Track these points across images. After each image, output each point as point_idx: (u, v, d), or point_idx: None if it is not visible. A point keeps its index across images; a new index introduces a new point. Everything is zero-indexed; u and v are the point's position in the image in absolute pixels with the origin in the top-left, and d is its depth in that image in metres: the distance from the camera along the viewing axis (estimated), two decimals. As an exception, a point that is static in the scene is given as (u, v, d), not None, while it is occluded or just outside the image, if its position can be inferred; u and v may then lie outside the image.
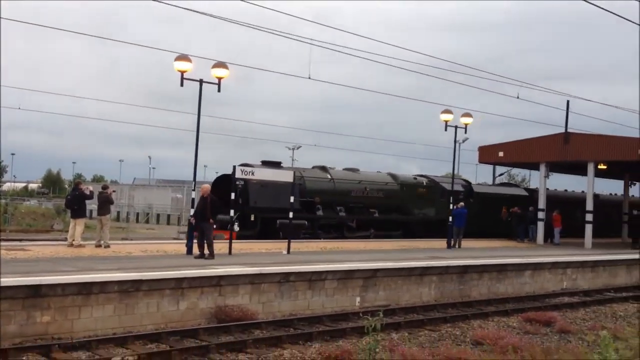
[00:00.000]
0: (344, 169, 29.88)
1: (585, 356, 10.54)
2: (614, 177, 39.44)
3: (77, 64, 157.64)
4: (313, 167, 28.96)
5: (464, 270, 18.39)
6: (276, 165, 26.39)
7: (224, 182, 24.28)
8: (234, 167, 17.96)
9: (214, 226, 17.36)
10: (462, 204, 26.55)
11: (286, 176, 20.86)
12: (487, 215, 31.71)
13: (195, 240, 17.12)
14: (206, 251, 16.51)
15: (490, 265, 19.16)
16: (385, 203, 29.72)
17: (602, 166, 30.98)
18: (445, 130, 25.56)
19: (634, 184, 42.55)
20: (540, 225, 30.81)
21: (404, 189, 30.56)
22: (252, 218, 24.72)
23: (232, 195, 18.24)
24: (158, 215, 55.30)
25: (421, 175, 33.47)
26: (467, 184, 34.71)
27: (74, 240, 17.90)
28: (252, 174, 19.25)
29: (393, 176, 31.24)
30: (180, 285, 12.94)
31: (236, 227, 22.80)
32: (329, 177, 28.28)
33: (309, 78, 23.09)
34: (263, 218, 24.85)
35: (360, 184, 29.04)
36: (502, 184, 41.33)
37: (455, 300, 17.27)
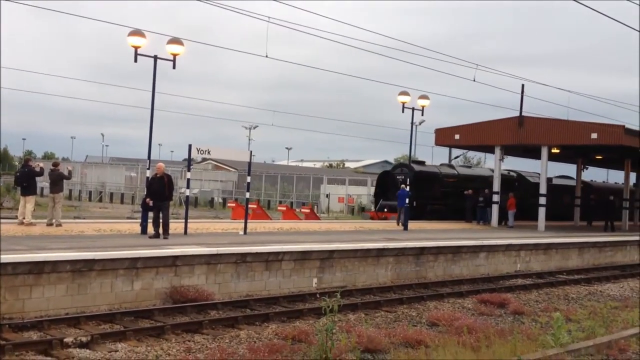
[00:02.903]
0: (459, 166, 37.79)
1: (539, 337, 10.69)
2: (567, 161, 40.19)
3: (27, 37, 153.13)
4: (441, 164, 36.94)
5: (420, 251, 18.52)
6: (421, 163, 34.25)
7: (385, 177, 34.29)
8: (190, 145, 17.64)
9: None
10: (402, 185, 26.96)
11: (243, 156, 21.01)
12: (556, 202, 37.16)
13: (150, 220, 16.83)
14: (160, 230, 16.24)
15: (446, 247, 19.34)
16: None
17: (555, 150, 31.47)
18: (403, 112, 25.70)
19: (586, 168, 43.41)
20: (495, 208, 31.22)
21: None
22: (415, 204, 30.25)
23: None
24: (111, 194, 54.32)
25: (511, 170, 40.52)
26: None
27: (24, 218, 17.42)
28: (209, 152, 19.07)
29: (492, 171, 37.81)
30: (134, 265, 12.69)
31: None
32: (456, 172, 36.26)
33: (266, 57, 22.79)
34: (419, 203, 31.52)
35: (474, 177, 35.80)
36: (561, 177, 46.04)
37: (411, 282, 17.39)
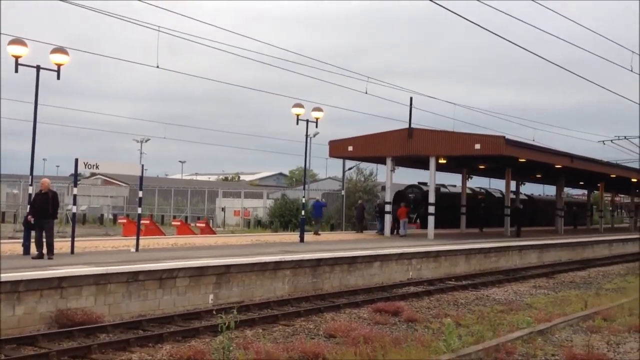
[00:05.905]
0: (449, 185, 44.00)
1: (432, 344, 10.97)
2: (453, 171, 41.78)
3: None
4: (437, 185, 40.14)
5: (317, 263, 18.61)
6: (425, 184, 37.15)
7: (398, 196, 37.08)
8: (76, 160, 16.90)
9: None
10: (318, 197, 27.35)
11: (134, 170, 20.50)
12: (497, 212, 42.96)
13: (33, 240, 15.95)
14: (45, 250, 15.42)
15: (342, 258, 19.54)
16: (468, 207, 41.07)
17: (442, 160, 32.62)
18: (297, 124, 25.84)
19: (471, 178, 45.25)
20: (387, 218, 31.93)
21: (473, 198, 43.23)
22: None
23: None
24: (-9, 213, 51.23)
25: (480, 188, 48.70)
26: (501, 193, 47.30)
27: None
28: (97, 167, 18.30)
29: (472, 189, 45.70)
30: (16, 289, 11.96)
31: (417, 221, 36.81)
32: (447, 190, 42.34)
33: (157, 67, 22.34)
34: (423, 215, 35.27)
35: (455, 194, 41.12)
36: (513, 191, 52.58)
37: (308, 294, 17.41)
